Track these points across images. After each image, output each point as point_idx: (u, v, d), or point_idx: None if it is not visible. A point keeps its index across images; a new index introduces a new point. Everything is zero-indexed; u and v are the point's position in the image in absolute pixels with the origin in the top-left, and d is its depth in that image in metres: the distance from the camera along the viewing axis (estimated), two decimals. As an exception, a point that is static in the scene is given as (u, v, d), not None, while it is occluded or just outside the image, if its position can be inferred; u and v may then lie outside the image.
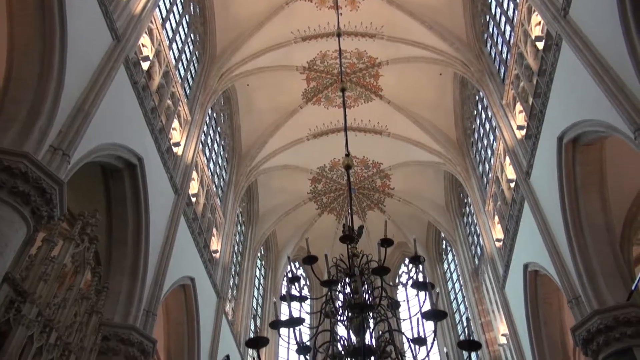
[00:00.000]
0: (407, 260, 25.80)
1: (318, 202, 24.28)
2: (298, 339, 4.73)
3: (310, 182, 23.44)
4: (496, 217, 15.90)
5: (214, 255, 15.77)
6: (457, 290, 21.81)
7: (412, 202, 23.23)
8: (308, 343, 4.96)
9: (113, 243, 10.41)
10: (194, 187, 14.46)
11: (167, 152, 12.25)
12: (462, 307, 21.10)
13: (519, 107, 12.99)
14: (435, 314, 3.96)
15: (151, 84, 11.68)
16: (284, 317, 5.11)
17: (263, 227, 22.63)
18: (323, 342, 4.80)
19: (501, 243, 15.33)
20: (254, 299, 21.45)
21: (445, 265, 23.22)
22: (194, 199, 14.26)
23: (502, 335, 16.43)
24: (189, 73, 15.00)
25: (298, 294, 5.18)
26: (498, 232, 15.71)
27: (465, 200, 20.95)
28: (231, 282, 18.82)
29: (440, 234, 23.90)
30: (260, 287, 22.99)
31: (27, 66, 7.32)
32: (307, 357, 4.97)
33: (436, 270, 23.64)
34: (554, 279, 11.18)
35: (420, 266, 4.88)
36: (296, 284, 5.16)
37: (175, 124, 13.38)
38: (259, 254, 23.21)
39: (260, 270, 23.40)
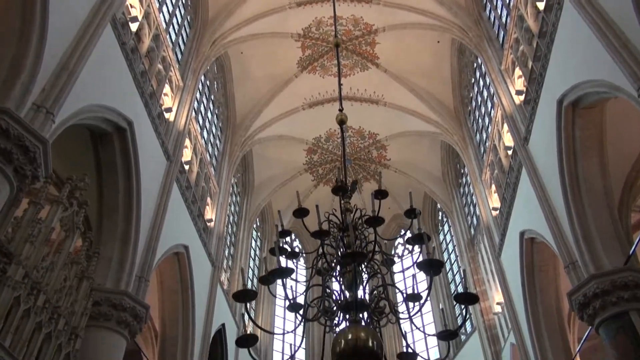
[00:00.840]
0: (402, 232, 25.77)
1: (314, 173, 24.10)
2: (290, 295, 4.56)
3: (306, 152, 23.22)
4: (493, 186, 15.76)
5: (208, 224, 15.62)
6: (452, 261, 21.84)
7: (408, 173, 23.07)
8: (300, 301, 4.80)
9: (104, 209, 10.22)
10: (186, 154, 14.22)
11: (158, 118, 11.97)
12: (457, 278, 21.13)
13: (518, 72, 12.71)
14: (430, 264, 3.79)
15: (140, 47, 11.33)
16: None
17: (258, 198, 22.48)
18: (315, 297, 4.63)
19: (497, 212, 15.23)
20: (250, 270, 21.42)
21: (441, 237, 23.20)
22: (187, 167, 14.04)
23: (497, 304, 16.48)
24: (180, 38, 14.61)
25: (289, 249, 4.99)
26: (495, 201, 15.59)
27: (462, 171, 20.80)
28: (226, 252, 18.74)
29: (437, 206, 23.83)
30: (257, 257, 22.96)
31: (7, 20, 7.00)
32: (299, 314, 4.83)
33: (432, 241, 23.60)
34: (550, 245, 11.09)
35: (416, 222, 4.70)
36: (288, 238, 4.98)
37: (167, 89, 13.07)
38: (254, 226, 23.11)
39: (256, 241, 23.34)
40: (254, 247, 22.68)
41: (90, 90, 8.67)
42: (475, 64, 17.22)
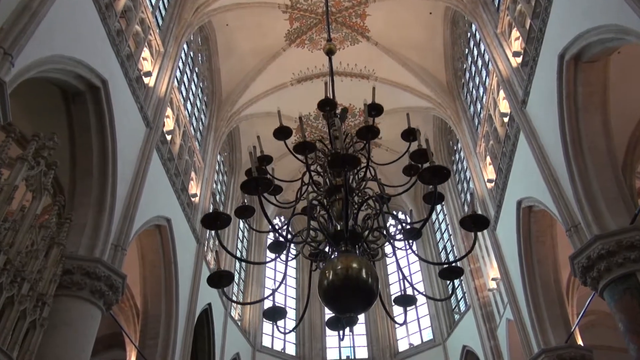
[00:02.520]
0: (394, 212, 25.24)
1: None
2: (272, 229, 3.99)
3: (295, 131, 22.46)
4: (488, 158, 15.25)
5: (192, 199, 14.99)
6: (445, 240, 21.37)
7: (399, 151, 22.42)
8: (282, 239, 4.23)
9: (77, 173, 9.55)
10: (169, 124, 13.56)
11: (136, 82, 11.29)
12: (450, 257, 20.67)
13: (515, 33, 12.17)
14: (434, 172, 3.20)
15: (116, 4, 10.60)
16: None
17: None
18: (300, 230, 4.05)
19: (493, 184, 14.74)
20: (238, 251, 20.81)
21: (434, 216, 22.70)
22: (169, 137, 13.38)
23: (492, 279, 16.03)
24: (161, 1, 13.87)
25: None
26: (490, 173, 15.10)
27: (455, 147, 20.31)
28: (213, 232, 18.09)
29: (428, 186, 23.26)
30: (245, 239, 22.36)
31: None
32: (282, 257, 4.27)
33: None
34: (549, 211, 10.60)
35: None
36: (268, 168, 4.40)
37: (146, 53, 12.36)
38: (242, 207, 22.41)
39: (244, 223, 22.70)
40: (241, 227, 22.05)
41: (57, 38, 7.98)
42: (469, 34, 16.66)
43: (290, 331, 4.36)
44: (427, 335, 20.79)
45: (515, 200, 12.41)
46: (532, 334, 12.13)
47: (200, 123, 17.27)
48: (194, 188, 15.19)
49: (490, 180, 14.91)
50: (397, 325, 21.63)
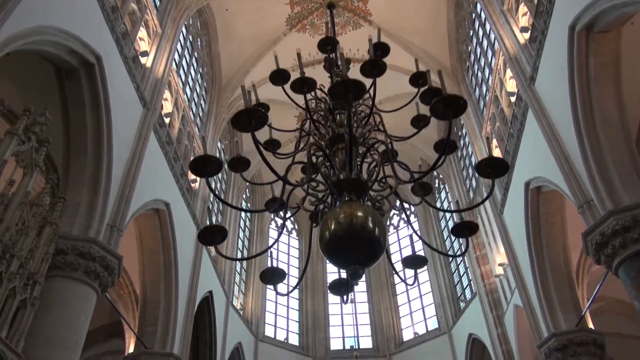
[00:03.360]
0: (398, 202, 24.91)
1: (305, 141, 23.11)
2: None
3: (297, 119, 22.19)
4: (494, 141, 14.87)
5: (192, 185, 14.69)
6: (450, 228, 20.99)
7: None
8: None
9: (71, 152, 9.25)
10: (167, 107, 13.25)
11: (133, 61, 10.96)
12: (455, 245, 20.34)
13: (522, 9, 11.81)
14: (446, 104, 2.86)
15: (110, -21, 10.27)
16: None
17: (249, 170, 21.42)
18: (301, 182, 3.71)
19: (499, 166, 14.35)
20: (240, 241, 20.53)
21: (438, 204, 22.37)
22: (167, 120, 13.06)
23: (499, 265, 15.70)
24: (157, -19, 13.53)
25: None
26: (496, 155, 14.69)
27: (460, 133, 19.92)
28: (214, 220, 17.83)
29: (432, 173, 22.97)
30: (247, 229, 22.07)
31: None
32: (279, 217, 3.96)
33: (428, 209, 22.79)
34: (559, 189, 10.24)
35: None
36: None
37: (143, 33, 12.04)
38: (244, 196, 22.20)
39: (246, 213, 22.42)
40: (243, 217, 21.76)
41: (46, 8, 7.66)
42: (473, 14, 16.26)
43: (290, 292, 4.03)
44: (433, 324, 20.49)
45: (523, 181, 12.04)
46: (542, 318, 11.80)
47: (200, 109, 16.94)
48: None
49: (496, 163, 14.51)
50: (401, 314, 21.37)
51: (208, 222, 16.17)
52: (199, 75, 17.20)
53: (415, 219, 23.82)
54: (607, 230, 8.16)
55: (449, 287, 20.13)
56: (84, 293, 8.17)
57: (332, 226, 2.98)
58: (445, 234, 21.45)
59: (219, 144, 18.95)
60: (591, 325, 11.41)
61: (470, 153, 18.41)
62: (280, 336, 20.62)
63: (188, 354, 12.39)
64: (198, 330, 15.34)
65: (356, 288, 19.52)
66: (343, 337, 21.81)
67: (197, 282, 13.63)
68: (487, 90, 15.31)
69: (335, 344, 21.60)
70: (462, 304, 19.02)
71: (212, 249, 13.05)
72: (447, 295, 19.97)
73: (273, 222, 24.26)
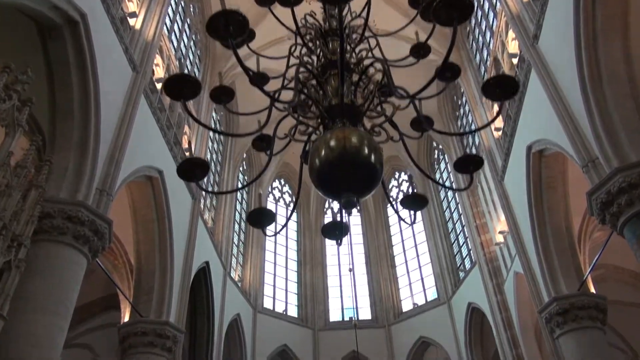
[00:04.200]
0: (397, 175, 24.72)
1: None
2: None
3: (294, 91, 21.75)
4: (495, 107, 14.54)
5: (186, 153, 14.34)
6: (449, 199, 20.81)
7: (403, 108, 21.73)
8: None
9: (57, 115, 8.90)
10: (158, 72, 12.87)
11: (121, 22, 10.54)
12: (455, 215, 20.15)
13: (525, -35, 11.35)
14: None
15: None
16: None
17: (243, 139, 21.08)
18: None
19: (500, 132, 14.07)
20: (237, 213, 20.30)
21: (438, 175, 22.08)
22: (159, 86, 12.67)
23: (500, 233, 15.50)
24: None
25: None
26: (497, 122, 14.40)
27: (459, 102, 19.56)
28: (210, 189, 17.56)
29: (432, 144, 22.68)
30: (244, 202, 21.83)
31: None
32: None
33: (428, 181, 22.53)
34: (563, 150, 9.94)
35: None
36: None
37: (131, -7, 11.59)
38: (240, 169, 21.90)
39: (242, 184, 22.14)
40: (240, 191, 21.50)
41: (24, -43, 7.25)
42: (474, -24, 15.74)
43: (278, 231, 3.74)
44: (432, 294, 20.41)
45: (525, 145, 11.75)
46: (543, 283, 11.64)
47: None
48: (187, 142, 14.55)
49: (497, 129, 14.24)
50: (400, 285, 21.27)
51: (203, 192, 15.93)
52: (192, 42, 16.74)
53: (414, 190, 23.53)
54: (612, 188, 7.89)
55: (448, 257, 20.00)
56: (74, 258, 7.92)
57: (324, 152, 2.69)
58: (445, 205, 21.21)
59: (214, 114, 18.57)
60: (593, 291, 11.23)
61: (470, 122, 18.06)
62: (279, 308, 20.55)
63: (185, 323, 12.23)
64: (195, 302, 15.22)
65: (355, 259, 19.28)
66: (342, 309, 21.77)
67: (193, 252, 13.41)
68: (488, 54, 14.91)
69: (334, 316, 21.57)
70: (461, 274, 18.91)
71: (210, 222, 12.78)
72: (447, 265, 19.84)
73: (271, 195, 24.03)
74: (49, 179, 8.25)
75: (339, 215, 3.82)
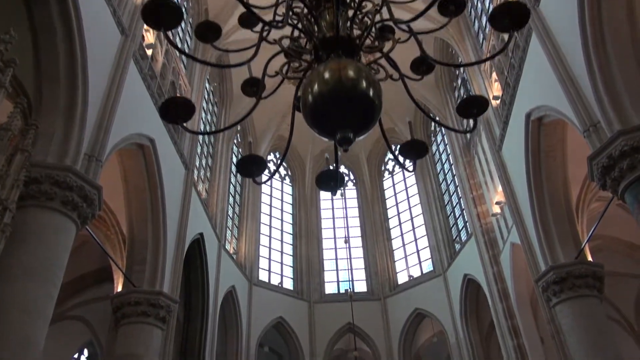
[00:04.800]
0: (393, 148, 24.42)
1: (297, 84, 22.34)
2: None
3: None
4: (494, 75, 14.29)
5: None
6: (446, 171, 20.65)
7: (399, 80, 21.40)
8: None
9: (43, 79, 8.58)
10: (148, 38, 12.51)
11: (108, -17, 10.14)
12: (451, 187, 20.02)
13: None
14: None
15: None
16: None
17: (237, 110, 20.78)
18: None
19: (499, 100, 13.83)
20: (231, 185, 20.10)
21: (434, 147, 21.92)
22: (149, 52, 12.33)
23: (496, 204, 15.39)
24: None
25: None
26: (495, 91, 14.15)
27: (457, 72, 19.24)
28: (204, 162, 17.34)
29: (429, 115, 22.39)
30: (239, 175, 21.56)
31: None
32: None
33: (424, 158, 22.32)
34: (563, 116, 9.73)
35: None
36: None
37: (118, -46, 11.13)
38: (235, 141, 21.63)
39: (238, 158, 21.89)
40: (235, 163, 21.24)
41: None
42: (474, -60, 15.32)
43: (269, 179, 3.53)
44: (427, 267, 20.41)
45: (524, 113, 11.53)
46: (540, 253, 11.55)
47: (185, 45, 16.13)
48: (180, 111, 14.24)
49: (496, 97, 13.99)
50: (396, 258, 21.25)
51: (197, 163, 15.70)
52: (183, 8, 16.27)
53: (410, 163, 23.35)
54: (614, 152, 7.71)
55: (444, 229, 19.94)
56: (62, 224, 7.72)
57: (317, 86, 2.47)
58: (441, 177, 21.07)
59: (207, 84, 18.22)
60: (590, 260, 11.16)
61: (469, 90, 17.78)
62: (275, 281, 20.53)
63: (179, 293, 12.12)
64: (190, 273, 15.13)
65: (351, 233, 19.06)
66: (338, 282, 21.78)
67: (187, 223, 13.24)
68: (487, 21, 14.54)
69: (330, 288, 21.58)
70: (457, 246, 18.87)
71: (204, 193, 12.50)
72: (443, 237, 19.79)
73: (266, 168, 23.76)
74: (35, 144, 8.01)
75: (333, 166, 3.62)
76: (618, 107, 7.98)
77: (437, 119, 21.03)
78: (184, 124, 2.94)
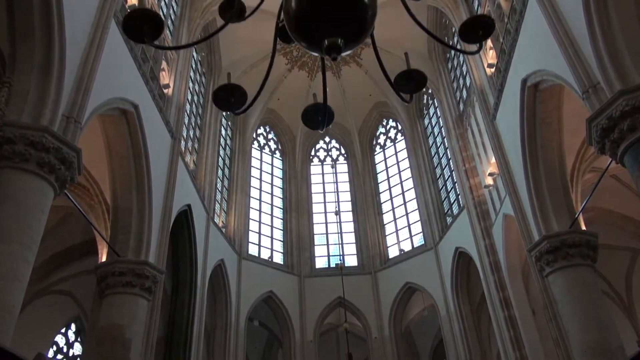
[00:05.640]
0: (385, 122, 24.17)
1: (288, 55, 21.88)
2: None
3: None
4: (489, 42, 13.90)
5: (165, 90, 13.63)
6: (438, 144, 20.38)
7: (391, 51, 20.77)
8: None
9: (17, 35, 8.10)
10: (131, -1, 11.98)
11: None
12: (443, 160, 19.78)
13: None
14: None
15: None
16: None
17: (225, 81, 20.25)
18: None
19: (493, 68, 13.51)
20: (220, 158, 19.72)
21: (426, 121, 21.61)
22: (132, 15, 11.80)
23: (489, 175, 15.17)
24: None
25: None
26: (490, 58, 13.81)
27: (450, 42, 18.83)
28: (192, 133, 16.92)
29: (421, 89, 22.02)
30: (227, 147, 21.21)
31: None
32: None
33: (416, 127, 22.08)
34: (561, 79, 9.43)
35: None
36: None
37: None
38: (224, 114, 21.17)
39: (226, 130, 21.49)
40: (224, 135, 20.85)
41: None
42: None
43: (246, 108, 3.21)
44: (419, 241, 20.26)
45: (520, 79, 11.21)
46: (533, 222, 11.36)
47: (171, 10, 15.56)
48: (165, 78, 13.80)
49: (490, 65, 13.67)
50: (387, 232, 21.09)
51: (185, 133, 15.30)
52: (168, -27, 15.67)
53: (402, 137, 23.13)
54: (615, 112, 7.44)
55: (435, 203, 19.75)
56: (38, 187, 7.35)
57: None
58: (433, 150, 20.81)
59: (194, 53, 17.70)
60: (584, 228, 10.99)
61: (461, 62, 17.44)
62: (265, 255, 20.31)
63: (165, 263, 11.82)
64: (178, 245, 14.85)
65: (342, 207, 18.86)
66: (328, 256, 21.62)
67: (173, 193, 12.89)
68: (482, -14, 14.14)
69: (320, 263, 21.42)
70: (448, 219, 18.70)
71: (191, 165, 12.07)
72: (434, 211, 19.61)
73: (255, 142, 23.41)
74: (9, 103, 7.62)
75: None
76: (619, 67, 7.69)
77: (430, 90, 20.67)
78: (154, 42, 2.62)
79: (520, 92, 11.27)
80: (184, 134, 15.38)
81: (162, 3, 14.70)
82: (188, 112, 16.43)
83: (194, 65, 17.81)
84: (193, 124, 17.26)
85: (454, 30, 17.62)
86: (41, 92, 7.87)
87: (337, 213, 19.48)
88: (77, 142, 8.17)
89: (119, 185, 11.40)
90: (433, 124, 20.95)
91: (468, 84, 16.71)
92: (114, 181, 11.42)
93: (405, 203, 21.51)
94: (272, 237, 21.12)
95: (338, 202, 21.92)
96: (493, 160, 14.66)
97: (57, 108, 7.99)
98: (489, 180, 15.25)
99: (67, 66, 8.32)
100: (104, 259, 11.22)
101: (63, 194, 8.32)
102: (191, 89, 17.32)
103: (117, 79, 10.44)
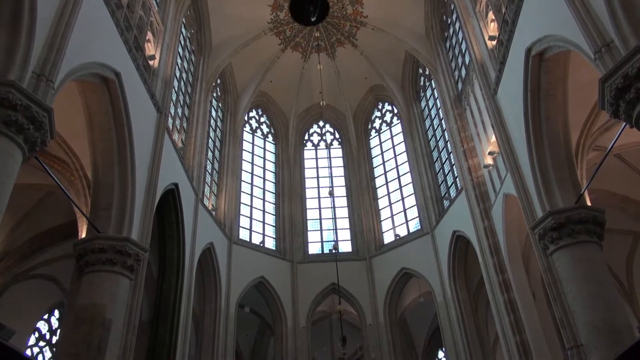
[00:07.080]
0: (380, 105, 23.58)
1: (281, 35, 21.21)
2: None
3: (271, 8, 20.15)
4: (490, 14, 13.35)
5: (150, 62, 12.98)
6: (435, 127, 19.83)
7: (387, 30, 20.40)
8: None
9: (-18, -15, 7.46)
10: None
11: None
12: (441, 143, 19.23)
13: None
14: None
15: None
16: None
17: (217, 60, 19.68)
18: None
19: (494, 41, 12.94)
20: (210, 140, 19.09)
21: (423, 103, 21.05)
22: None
23: (489, 154, 14.64)
24: None
25: None
26: (492, 31, 13.25)
27: (449, 20, 18.29)
28: (180, 111, 16.27)
29: (418, 71, 21.50)
30: (218, 129, 20.56)
31: None
32: None
33: (412, 110, 21.52)
34: (570, 43, 8.85)
35: None
36: None
37: None
38: (214, 95, 20.54)
39: (217, 112, 20.84)
40: (214, 117, 20.20)
41: None
42: None
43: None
44: (415, 226, 19.73)
45: (524, 48, 10.64)
46: (537, 199, 10.82)
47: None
48: (151, 49, 13.13)
49: (492, 38, 13.09)
50: (382, 217, 20.57)
51: (172, 110, 14.67)
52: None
53: (399, 120, 22.57)
54: (631, 70, 6.88)
55: (432, 187, 19.22)
56: (5, 147, 6.72)
57: None
58: (430, 133, 20.26)
59: (183, 29, 17.02)
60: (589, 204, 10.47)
61: (460, 40, 16.87)
62: (256, 240, 19.73)
63: (149, 241, 11.20)
64: (165, 226, 14.25)
65: (336, 192, 18.19)
66: (322, 241, 21.07)
67: (158, 169, 12.26)
68: (483, -44, 13.55)
69: (314, 248, 20.87)
70: (446, 203, 18.18)
71: (179, 144, 11.33)
72: (431, 195, 19.08)
73: (247, 125, 22.78)
74: (-29, 56, 6.98)
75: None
76: (635, 22, 7.13)
77: (427, 71, 20.14)
78: None
79: (524, 62, 10.70)
80: (172, 112, 14.74)
81: (148, -28, 13.98)
82: (176, 88, 15.78)
83: (182, 42, 17.15)
84: (182, 102, 16.61)
85: (452, 7, 17.02)
86: (8, 46, 7.21)
87: (331, 194, 18.90)
88: (49, 101, 7.53)
89: (100, 158, 10.78)
90: (430, 106, 20.39)
91: (467, 61, 16.15)
92: (95, 154, 10.79)
93: (401, 187, 20.97)
94: (264, 222, 20.54)
95: (331, 180, 21.36)
96: (493, 139, 14.13)
97: (27, 64, 7.34)
98: (489, 160, 14.71)
99: (38, 20, 7.65)
100: (83, 235, 10.59)
101: (34, 160, 7.70)
102: (179, 66, 16.67)
103: (97, 43, 9.77)
